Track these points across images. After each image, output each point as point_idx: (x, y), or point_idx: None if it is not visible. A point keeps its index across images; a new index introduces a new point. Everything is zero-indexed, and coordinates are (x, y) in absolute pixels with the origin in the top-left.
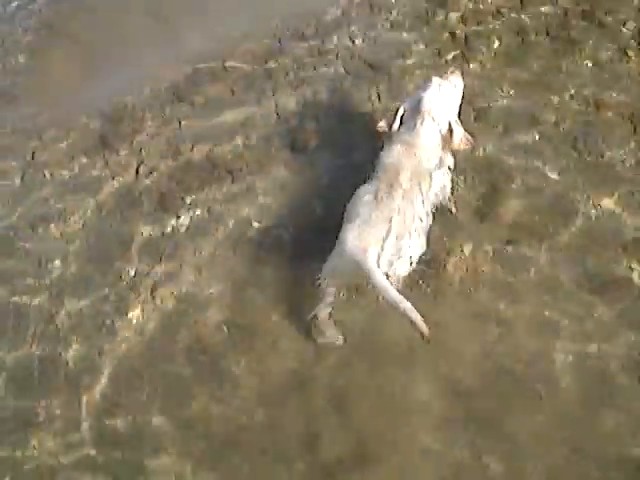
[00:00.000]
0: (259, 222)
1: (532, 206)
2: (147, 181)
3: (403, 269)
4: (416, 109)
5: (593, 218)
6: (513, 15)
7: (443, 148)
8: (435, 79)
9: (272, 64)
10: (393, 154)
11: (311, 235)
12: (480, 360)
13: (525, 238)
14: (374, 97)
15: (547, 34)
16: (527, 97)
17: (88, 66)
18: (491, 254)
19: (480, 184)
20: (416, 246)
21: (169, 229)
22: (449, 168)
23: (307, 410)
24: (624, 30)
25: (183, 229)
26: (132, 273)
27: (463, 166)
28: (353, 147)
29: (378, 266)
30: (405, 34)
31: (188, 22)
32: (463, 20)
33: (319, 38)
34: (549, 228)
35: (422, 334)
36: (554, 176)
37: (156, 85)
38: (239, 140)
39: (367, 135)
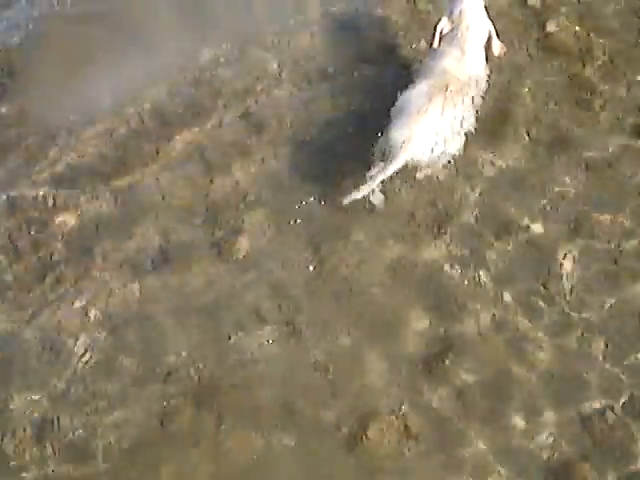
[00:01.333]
0: None
1: None
2: None
3: (434, 159)
4: (459, 21)
5: None
6: None
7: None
8: None
9: None
10: (442, 62)
11: None
12: None
13: None
14: None
15: None
16: None
17: None
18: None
19: None
20: (453, 144)
21: None
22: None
23: None
24: None
25: None
26: None
27: None
28: None
29: (411, 155)
30: None
31: None
32: None
33: None
34: None
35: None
36: None
37: None
38: None
39: None
